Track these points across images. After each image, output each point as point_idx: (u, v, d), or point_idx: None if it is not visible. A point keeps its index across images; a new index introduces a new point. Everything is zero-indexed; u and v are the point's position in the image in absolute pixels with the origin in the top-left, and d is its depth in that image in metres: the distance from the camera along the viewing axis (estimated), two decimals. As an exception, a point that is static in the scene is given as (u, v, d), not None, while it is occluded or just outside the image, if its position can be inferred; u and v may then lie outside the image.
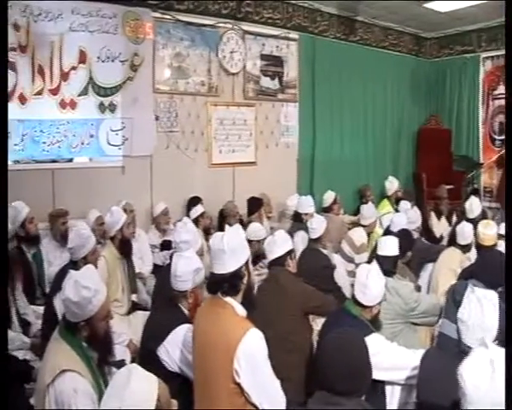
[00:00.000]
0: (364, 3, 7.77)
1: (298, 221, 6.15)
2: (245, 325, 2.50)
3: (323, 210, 7.08)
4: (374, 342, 2.84)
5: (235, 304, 2.58)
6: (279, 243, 3.94)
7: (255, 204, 6.65)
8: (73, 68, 5.86)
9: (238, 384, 2.43)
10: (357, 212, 7.27)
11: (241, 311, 2.59)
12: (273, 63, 7.64)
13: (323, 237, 5.24)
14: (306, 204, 6.27)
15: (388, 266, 3.86)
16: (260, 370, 2.46)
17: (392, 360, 3.01)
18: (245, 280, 2.62)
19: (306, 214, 6.08)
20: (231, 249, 2.53)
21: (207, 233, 6.05)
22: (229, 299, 2.58)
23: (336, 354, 2.21)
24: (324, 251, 5.22)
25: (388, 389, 3.06)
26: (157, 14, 6.41)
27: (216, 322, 2.55)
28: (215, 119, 7.06)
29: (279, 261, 3.89)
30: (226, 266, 2.55)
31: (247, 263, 2.64)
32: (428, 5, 7.76)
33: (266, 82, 7.59)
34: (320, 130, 8.07)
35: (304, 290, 3.81)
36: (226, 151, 7.21)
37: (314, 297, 3.82)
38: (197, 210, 6.13)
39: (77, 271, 2.65)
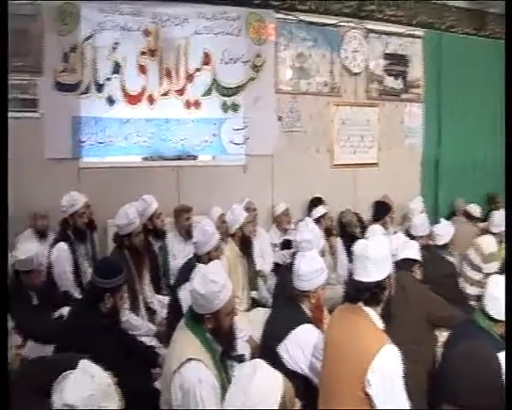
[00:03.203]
0: (498, -7, 7.32)
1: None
2: (384, 338, 2.42)
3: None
4: (508, 359, 2.61)
5: (373, 315, 2.53)
6: (411, 246, 3.81)
7: (383, 209, 6.47)
8: (198, 70, 6.10)
9: (367, 395, 2.36)
10: (485, 218, 6.85)
11: (379, 323, 2.53)
12: (397, 62, 7.41)
13: (450, 243, 4.96)
14: (420, 227, 5.26)
15: (525, 279, 3.57)
16: (393, 386, 2.36)
17: None
18: (387, 293, 2.57)
19: (421, 237, 5.19)
20: (376, 258, 2.52)
21: (329, 235, 5.96)
22: (368, 309, 2.53)
23: (465, 367, 2.09)
24: (450, 258, 4.94)
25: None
26: (280, 15, 6.46)
27: (353, 330, 2.50)
28: (337, 119, 6.98)
29: (407, 265, 3.75)
30: (370, 275, 2.53)
31: (389, 276, 2.59)
32: None
33: (390, 82, 7.37)
34: (446, 131, 7.70)
35: (430, 299, 3.65)
36: (348, 152, 7.09)
37: (441, 308, 3.65)
38: (319, 211, 6.02)
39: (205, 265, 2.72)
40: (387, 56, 7.33)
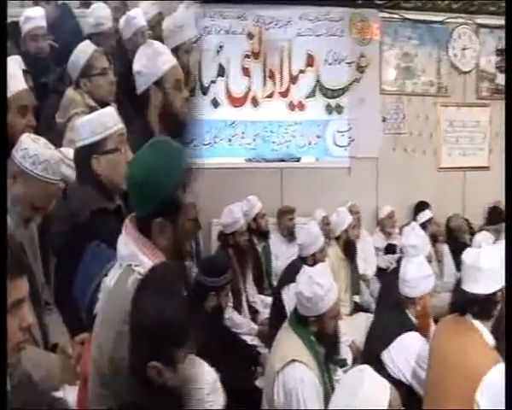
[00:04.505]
0: None
1: None
2: (496, 356, 2.25)
3: None
4: None
5: (484, 331, 2.37)
6: None
7: (497, 215, 6.12)
8: (302, 72, 6.11)
9: None
10: None
11: (491, 340, 2.36)
12: None
13: None
14: None
15: None
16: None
17: None
18: (499, 307, 2.39)
19: None
20: (489, 269, 2.36)
21: (435, 240, 5.77)
22: (478, 323, 2.38)
23: None
24: None
25: None
26: (384, 14, 6.32)
27: (461, 344, 2.37)
28: (445, 120, 6.71)
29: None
30: (481, 287, 2.37)
31: (502, 290, 2.39)
32: None
33: (503, 80, 6.97)
34: None
35: None
36: (456, 154, 6.79)
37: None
38: (425, 215, 5.88)
39: (311, 267, 2.75)
40: (500, 52, 6.89)
